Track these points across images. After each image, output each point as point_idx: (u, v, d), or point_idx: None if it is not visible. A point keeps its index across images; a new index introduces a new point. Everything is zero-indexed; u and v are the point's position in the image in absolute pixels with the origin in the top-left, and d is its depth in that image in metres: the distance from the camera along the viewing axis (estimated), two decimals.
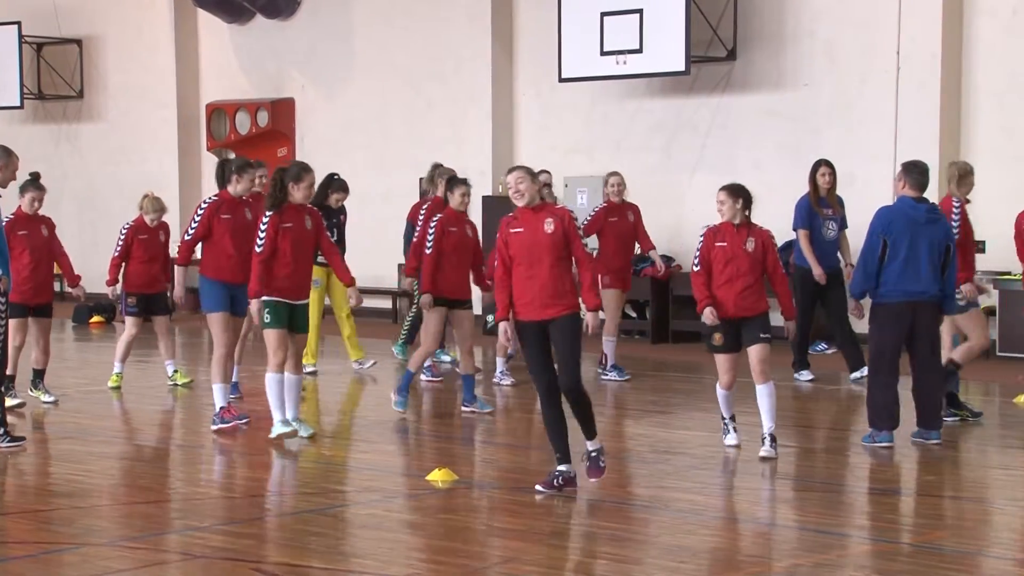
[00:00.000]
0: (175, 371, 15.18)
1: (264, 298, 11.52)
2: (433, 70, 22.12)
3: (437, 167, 15.86)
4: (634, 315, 19.57)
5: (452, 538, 8.80)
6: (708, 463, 11.09)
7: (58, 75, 26.27)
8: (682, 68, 18.71)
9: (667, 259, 18.38)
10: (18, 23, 25.48)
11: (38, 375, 13.91)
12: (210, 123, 24.47)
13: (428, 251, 12.89)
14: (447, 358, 16.14)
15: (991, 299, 17.21)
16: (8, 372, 13.16)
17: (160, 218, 14.99)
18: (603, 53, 19.25)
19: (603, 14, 19.20)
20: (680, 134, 19.76)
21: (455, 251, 12.98)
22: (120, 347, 14.96)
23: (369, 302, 22.86)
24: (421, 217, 14.61)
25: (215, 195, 12.74)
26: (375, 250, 22.84)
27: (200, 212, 12.57)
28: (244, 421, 12.39)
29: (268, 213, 11.56)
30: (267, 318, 11.55)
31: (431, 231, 13.01)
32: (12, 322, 13.22)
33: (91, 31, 26.08)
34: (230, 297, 12.53)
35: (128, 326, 14.92)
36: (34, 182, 13.70)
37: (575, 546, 8.60)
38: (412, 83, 22.37)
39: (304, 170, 11.73)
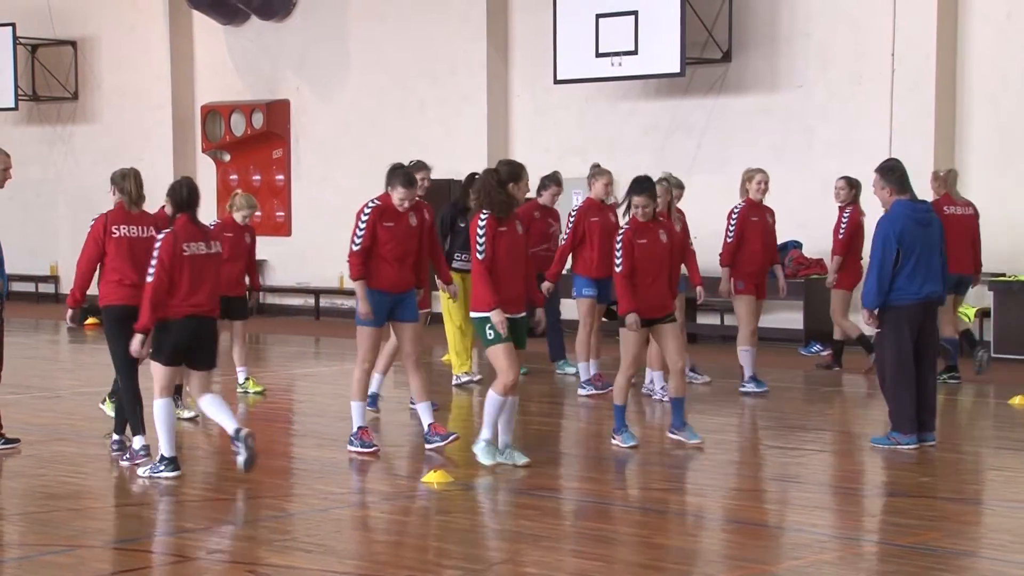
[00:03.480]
0: (247, 379, 14.69)
1: (482, 313, 10.51)
2: (428, 71, 22.13)
3: (597, 168, 15.01)
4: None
5: (447, 540, 8.80)
6: (701, 464, 11.10)
7: (52, 76, 26.27)
8: (677, 70, 18.73)
9: None
10: (12, 24, 25.50)
11: (176, 390, 12.81)
12: (205, 124, 24.48)
13: (619, 269, 11.43)
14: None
15: (986, 300, 17.24)
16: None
17: (251, 216, 14.46)
18: (598, 55, 19.27)
19: (598, 16, 19.22)
20: (675, 135, 19.78)
21: (650, 263, 11.52)
22: None
23: None
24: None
25: (376, 199, 11.68)
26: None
27: (364, 219, 11.49)
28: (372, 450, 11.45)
29: (484, 215, 10.59)
30: (490, 334, 10.51)
31: (619, 247, 11.53)
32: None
33: (85, 32, 26.08)
34: (390, 308, 11.52)
35: None
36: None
37: (569, 548, 8.60)
38: (407, 84, 22.39)
39: (523, 168, 10.81)
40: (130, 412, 10.99)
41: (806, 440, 12.40)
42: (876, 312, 11.39)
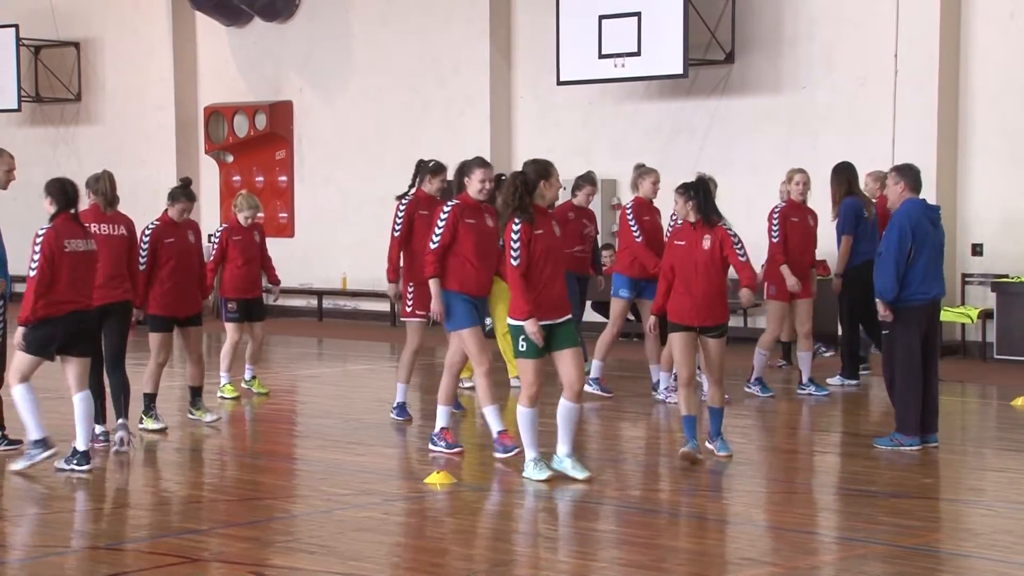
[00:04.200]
0: (253, 377, 14.59)
1: (517, 322, 10.08)
2: (431, 72, 22.13)
3: (640, 166, 14.61)
4: (632, 318, 19.56)
5: (450, 541, 8.80)
6: (703, 465, 11.09)
7: (56, 78, 26.29)
8: (680, 71, 18.73)
9: None
10: (16, 26, 25.51)
11: (196, 393, 12.90)
12: (208, 126, 24.49)
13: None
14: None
15: (988, 302, 17.23)
16: (149, 391, 12.45)
17: (255, 216, 14.27)
18: (601, 56, 19.27)
19: (601, 17, 19.22)
20: (678, 137, 19.78)
21: (682, 267, 10.99)
22: (224, 357, 14.33)
23: (367, 305, 22.98)
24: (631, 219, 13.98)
25: (456, 198, 11.26)
26: (373, 253, 22.86)
27: (444, 216, 11.12)
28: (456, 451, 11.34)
29: (516, 222, 10.10)
30: (522, 346, 10.10)
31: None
32: (155, 337, 12.42)
33: (89, 34, 26.09)
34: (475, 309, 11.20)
35: (230, 333, 14.29)
36: (185, 190, 12.80)
37: (571, 549, 8.61)
38: (410, 85, 22.39)
39: (551, 164, 10.34)
40: (116, 398, 11.63)
41: (809, 441, 12.40)
42: (888, 305, 11.39)
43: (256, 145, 24.09)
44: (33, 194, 27.15)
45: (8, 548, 8.75)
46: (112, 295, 11.54)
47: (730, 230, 10.96)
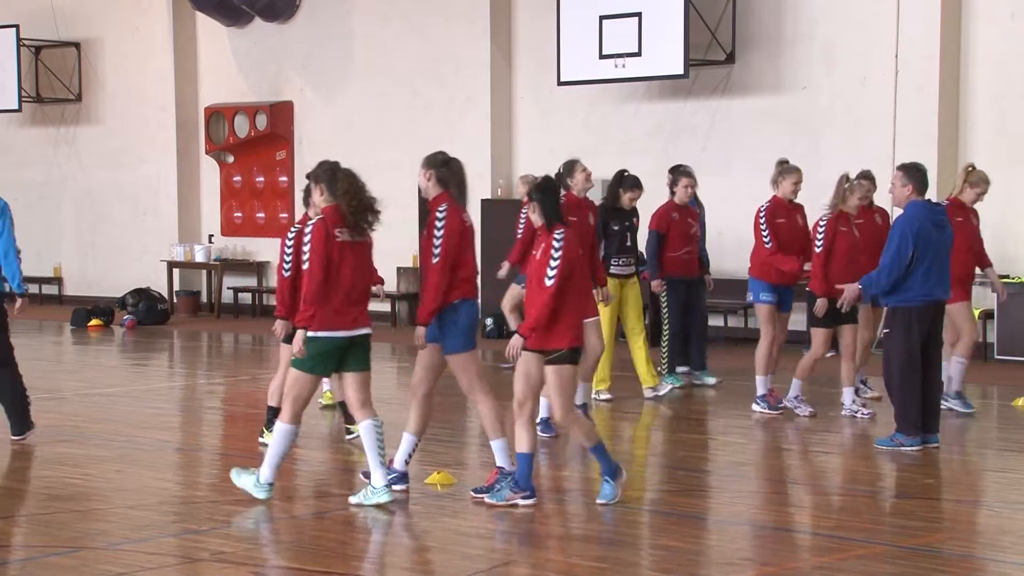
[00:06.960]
0: (327, 390, 14.09)
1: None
2: (432, 72, 22.13)
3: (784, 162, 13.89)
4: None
5: (450, 541, 8.80)
6: (705, 466, 11.10)
7: (56, 78, 26.28)
8: (681, 71, 18.72)
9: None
10: (16, 26, 25.51)
11: (343, 410, 12.24)
12: (208, 126, 24.48)
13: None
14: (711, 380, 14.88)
15: (989, 302, 17.22)
16: (275, 404, 11.69)
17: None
18: (602, 56, 19.27)
19: (602, 17, 19.21)
20: (679, 137, 19.77)
21: (529, 283, 9.58)
22: None
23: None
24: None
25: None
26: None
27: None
28: None
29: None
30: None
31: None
32: (288, 349, 11.24)
33: (89, 34, 26.09)
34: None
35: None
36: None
37: (572, 549, 8.60)
38: (411, 86, 22.39)
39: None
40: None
41: (810, 442, 12.39)
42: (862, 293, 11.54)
43: (257, 145, 24.09)
44: (33, 195, 27.26)
45: (9, 548, 8.76)
46: None
47: (558, 239, 9.29)
